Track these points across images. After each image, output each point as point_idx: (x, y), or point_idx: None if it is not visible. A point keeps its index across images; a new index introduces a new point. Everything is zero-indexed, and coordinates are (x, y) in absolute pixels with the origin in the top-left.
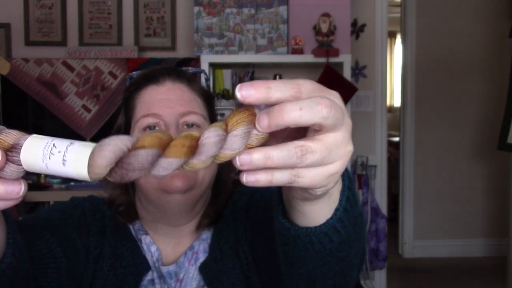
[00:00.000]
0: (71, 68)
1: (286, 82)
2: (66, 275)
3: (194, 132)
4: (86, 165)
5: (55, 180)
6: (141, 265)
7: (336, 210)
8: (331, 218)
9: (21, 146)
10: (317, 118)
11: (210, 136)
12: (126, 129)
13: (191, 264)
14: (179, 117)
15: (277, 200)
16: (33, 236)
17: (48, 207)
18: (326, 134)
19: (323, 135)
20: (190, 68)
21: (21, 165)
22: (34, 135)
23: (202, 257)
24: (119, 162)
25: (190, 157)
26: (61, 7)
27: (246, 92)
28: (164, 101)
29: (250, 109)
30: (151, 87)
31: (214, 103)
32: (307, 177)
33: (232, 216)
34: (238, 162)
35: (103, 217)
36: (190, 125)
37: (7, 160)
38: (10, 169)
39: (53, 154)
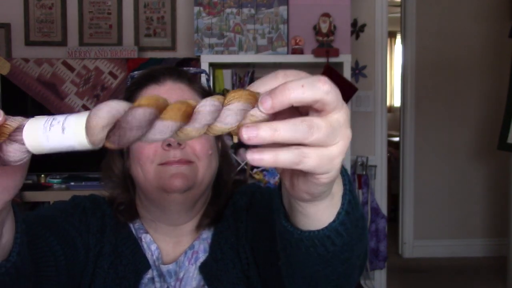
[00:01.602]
0: (71, 68)
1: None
2: (65, 273)
3: (190, 100)
4: (84, 129)
5: (55, 180)
6: (141, 263)
7: (339, 213)
8: (334, 221)
9: (24, 126)
10: (320, 93)
11: (206, 105)
12: None
13: (191, 263)
14: None
15: (277, 203)
16: (34, 234)
17: (49, 205)
18: (329, 113)
19: (326, 114)
20: (191, 68)
21: (24, 144)
22: (37, 116)
23: (202, 257)
24: (117, 123)
25: (185, 123)
26: (61, 7)
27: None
28: None
29: (252, 91)
30: (152, 86)
31: None
32: (312, 157)
33: (233, 217)
34: (245, 135)
35: (104, 215)
36: None
37: (10, 139)
38: (13, 147)
39: (53, 126)
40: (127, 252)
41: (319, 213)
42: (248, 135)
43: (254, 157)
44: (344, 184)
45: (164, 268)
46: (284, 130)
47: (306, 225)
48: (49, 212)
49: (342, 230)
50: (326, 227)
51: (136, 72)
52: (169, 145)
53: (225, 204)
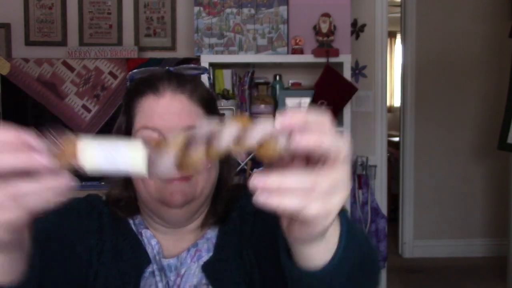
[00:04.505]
0: (71, 68)
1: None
2: (65, 285)
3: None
4: (141, 159)
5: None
6: (142, 258)
7: (335, 253)
8: (329, 262)
9: (79, 151)
10: (336, 147)
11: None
12: (126, 131)
13: (193, 261)
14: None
15: (281, 235)
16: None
17: (42, 216)
18: (335, 167)
19: (332, 167)
20: (192, 65)
21: (82, 169)
22: (85, 139)
23: (205, 256)
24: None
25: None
26: (61, 7)
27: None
28: (164, 115)
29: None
30: (151, 97)
31: (217, 105)
32: (313, 208)
33: (239, 219)
34: (255, 182)
35: (101, 215)
36: None
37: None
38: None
39: (109, 150)
40: (127, 248)
41: (315, 255)
42: (256, 183)
43: (260, 200)
44: (341, 225)
45: (165, 262)
46: (291, 182)
47: (305, 264)
48: (43, 224)
49: (340, 268)
50: (323, 267)
51: (135, 72)
52: None
53: (228, 202)
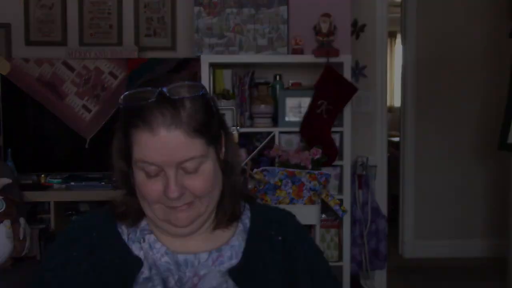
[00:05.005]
0: (71, 68)
1: None
2: None
3: None
4: None
5: (55, 180)
6: (133, 264)
7: None
8: None
9: None
10: None
11: None
12: (126, 156)
13: (214, 265)
14: (178, 164)
15: None
16: None
17: (39, 281)
18: None
19: None
20: (187, 82)
21: None
22: None
23: (227, 262)
24: None
25: None
26: (61, 7)
27: None
28: (161, 150)
29: None
30: (146, 133)
31: (216, 122)
32: None
33: (263, 237)
34: None
35: (91, 239)
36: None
37: None
38: None
39: None
40: (113, 257)
41: None
42: None
43: None
44: None
45: (181, 257)
46: None
47: None
48: None
49: None
50: None
51: (127, 95)
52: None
53: (235, 200)
